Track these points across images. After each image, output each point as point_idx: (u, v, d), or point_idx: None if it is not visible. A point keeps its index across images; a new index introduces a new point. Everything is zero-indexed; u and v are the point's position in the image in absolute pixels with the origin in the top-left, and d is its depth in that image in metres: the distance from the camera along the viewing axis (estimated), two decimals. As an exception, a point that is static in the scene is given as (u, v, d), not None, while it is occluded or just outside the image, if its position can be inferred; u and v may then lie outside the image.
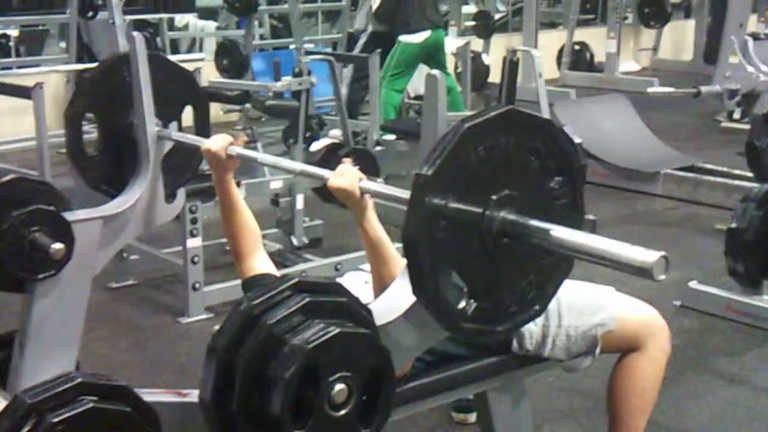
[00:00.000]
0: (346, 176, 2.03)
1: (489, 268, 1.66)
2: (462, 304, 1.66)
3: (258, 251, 2.44)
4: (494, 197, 1.62)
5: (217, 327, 1.65)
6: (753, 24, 9.72)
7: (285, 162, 2.52)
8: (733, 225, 3.80)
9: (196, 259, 3.92)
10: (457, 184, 1.59)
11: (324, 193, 4.60)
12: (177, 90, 2.84)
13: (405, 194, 1.69)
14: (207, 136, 2.67)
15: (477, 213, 1.62)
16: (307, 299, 1.61)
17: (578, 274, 2.43)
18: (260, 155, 2.61)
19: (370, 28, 7.47)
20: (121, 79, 2.73)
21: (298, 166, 2.49)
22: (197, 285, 3.94)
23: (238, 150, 2.45)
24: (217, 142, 2.46)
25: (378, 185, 2.03)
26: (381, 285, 2.09)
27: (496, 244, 1.64)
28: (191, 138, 2.73)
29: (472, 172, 1.60)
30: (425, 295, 1.63)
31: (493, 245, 1.64)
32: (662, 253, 1.42)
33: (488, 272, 1.66)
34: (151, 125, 2.68)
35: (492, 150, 1.62)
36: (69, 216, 2.45)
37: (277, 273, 2.43)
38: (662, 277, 1.42)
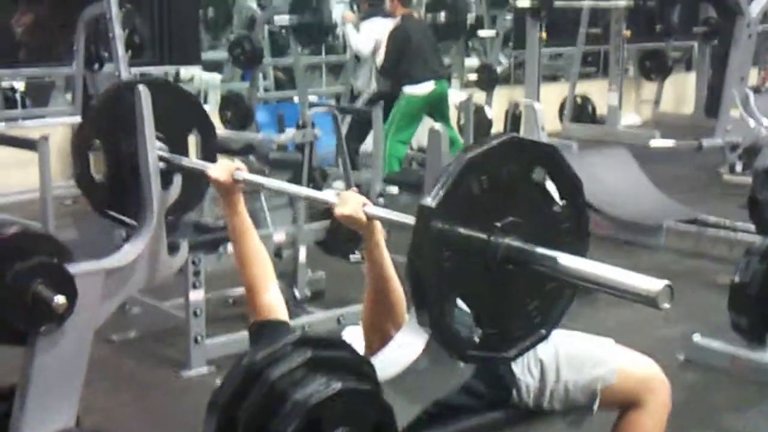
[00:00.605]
0: (350, 202, 2.04)
1: (494, 295, 1.66)
2: (468, 332, 1.67)
3: (270, 286, 2.39)
4: (498, 224, 1.63)
5: (219, 381, 1.65)
6: (754, 77, 9.80)
7: (290, 186, 2.56)
8: (737, 279, 3.79)
9: (198, 311, 3.91)
10: (461, 213, 1.61)
11: (327, 245, 4.61)
12: (183, 115, 2.87)
13: (410, 219, 1.71)
14: (213, 160, 2.72)
15: (482, 240, 1.62)
16: (310, 354, 1.61)
17: (581, 328, 2.44)
18: (266, 180, 2.63)
19: (372, 88, 7.53)
20: (127, 106, 2.74)
21: (303, 190, 2.56)
22: (199, 338, 3.93)
23: (243, 175, 2.45)
24: (222, 169, 2.45)
25: (383, 210, 2.03)
26: (375, 318, 2.07)
27: (501, 271, 1.64)
28: (196, 163, 2.75)
29: (475, 200, 1.62)
30: (431, 323, 1.63)
31: (498, 272, 1.64)
32: (667, 282, 1.42)
33: (494, 298, 1.67)
34: (156, 178, 2.69)
35: (495, 177, 1.63)
36: (72, 269, 2.45)
37: (287, 315, 2.39)
38: (666, 305, 1.42)
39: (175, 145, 2.82)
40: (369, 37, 7.32)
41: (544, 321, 1.74)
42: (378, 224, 2.05)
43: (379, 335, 2.05)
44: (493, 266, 1.63)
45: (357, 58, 8.25)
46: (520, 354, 1.75)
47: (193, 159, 2.82)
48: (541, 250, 1.62)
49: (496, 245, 1.62)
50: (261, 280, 2.38)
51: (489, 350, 1.69)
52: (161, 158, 2.78)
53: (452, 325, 1.64)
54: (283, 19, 7.64)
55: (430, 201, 1.58)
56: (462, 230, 1.60)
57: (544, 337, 1.76)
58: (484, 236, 1.62)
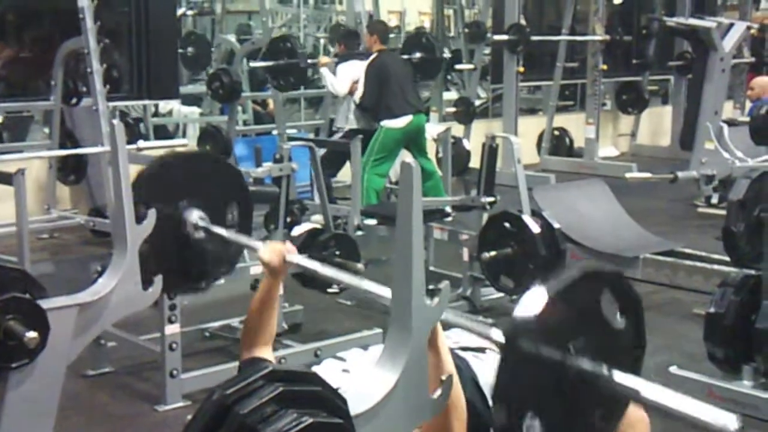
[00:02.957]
0: None
1: (564, 410, 1.74)
2: None
3: (267, 347, 2.44)
4: (572, 345, 1.72)
5: (190, 416, 1.64)
6: (729, 110, 9.90)
7: (349, 278, 2.46)
8: (712, 310, 3.81)
9: (174, 345, 3.89)
10: (542, 335, 1.70)
11: (304, 278, 4.60)
12: (224, 188, 3.01)
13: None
14: (248, 232, 2.91)
15: (558, 361, 1.71)
16: (281, 388, 1.60)
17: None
18: (320, 267, 2.53)
19: (348, 126, 7.55)
20: (176, 174, 2.93)
21: (363, 283, 2.36)
22: (175, 372, 3.90)
23: (296, 260, 2.46)
24: (273, 252, 2.46)
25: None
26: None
27: (574, 389, 1.73)
28: (245, 240, 2.85)
29: (554, 323, 1.71)
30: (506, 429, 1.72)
31: (570, 390, 1.72)
32: (739, 419, 1.61)
33: (563, 413, 1.74)
34: (130, 212, 2.68)
35: (572, 303, 1.74)
36: (44, 304, 2.44)
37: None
38: None
39: (214, 215, 2.92)
40: (345, 78, 7.37)
41: (604, 429, 1.83)
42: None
43: None
44: (566, 385, 1.72)
45: (334, 96, 8.30)
46: None
47: (240, 235, 2.90)
48: (619, 378, 1.74)
49: (571, 366, 1.71)
50: (261, 342, 2.43)
51: None
52: (203, 228, 2.87)
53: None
54: (259, 63, 7.71)
55: (521, 320, 1.68)
56: (542, 350, 1.70)
57: None
58: (559, 357, 1.71)
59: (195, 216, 2.88)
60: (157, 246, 2.79)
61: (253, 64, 8.03)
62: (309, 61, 7.59)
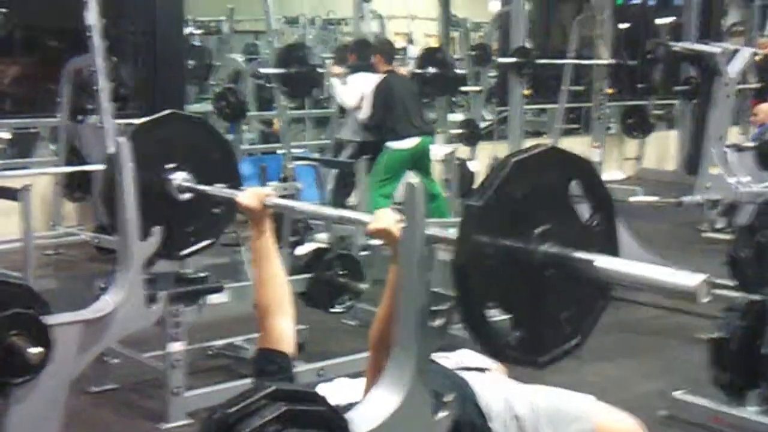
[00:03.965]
0: (385, 218, 2.09)
1: (530, 299, 1.72)
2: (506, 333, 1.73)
3: (284, 315, 2.33)
4: (536, 231, 1.69)
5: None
6: (735, 136, 9.90)
7: (324, 209, 2.61)
8: (718, 335, 3.80)
9: (177, 363, 3.88)
10: (503, 217, 1.67)
11: (308, 297, 4.60)
12: (214, 157, 3.09)
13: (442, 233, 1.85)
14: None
15: (521, 245, 1.68)
16: (283, 408, 1.60)
17: (563, 382, 2.44)
18: (298, 204, 2.67)
19: (357, 139, 7.56)
20: (165, 134, 3.02)
21: (337, 212, 2.58)
22: (178, 390, 3.90)
23: (275, 201, 2.47)
24: (252, 196, 2.45)
25: None
26: (386, 333, 2.09)
27: (538, 277, 1.70)
28: (224, 191, 2.87)
29: (516, 205, 1.69)
30: (472, 322, 1.69)
31: (534, 277, 1.70)
32: (704, 276, 1.53)
33: (529, 303, 1.72)
34: (135, 230, 2.69)
35: (535, 185, 1.71)
36: (48, 320, 2.44)
37: (293, 347, 2.31)
38: (705, 299, 1.51)
39: (203, 177, 3.01)
40: (354, 90, 7.39)
41: (575, 331, 1.80)
42: None
43: (387, 352, 2.06)
44: (530, 271, 1.69)
45: (342, 109, 8.32)
46: (552, 362, 1.80)
47: (221, 189, 2.94)
48: (578, 254, 1.69)
49: (534, 251, 1.68)
50: (275, 305, 2.33)
51: (524, 352, 1.74)
52: (187, 188, 2.97)
53: (490, 324, 1.70)
54: (270, 70, 7.72)
55: (476, 201, 1.65)
56: (503, 234, 1.67)
57: (577, 346, 1.82)
58: (523, 241, 1.68)
59: (180, 177, 2.96)
60: (143, 208, 2.83)
61: (263, 70, 8.02)
62: (320, 69, 7.57)
